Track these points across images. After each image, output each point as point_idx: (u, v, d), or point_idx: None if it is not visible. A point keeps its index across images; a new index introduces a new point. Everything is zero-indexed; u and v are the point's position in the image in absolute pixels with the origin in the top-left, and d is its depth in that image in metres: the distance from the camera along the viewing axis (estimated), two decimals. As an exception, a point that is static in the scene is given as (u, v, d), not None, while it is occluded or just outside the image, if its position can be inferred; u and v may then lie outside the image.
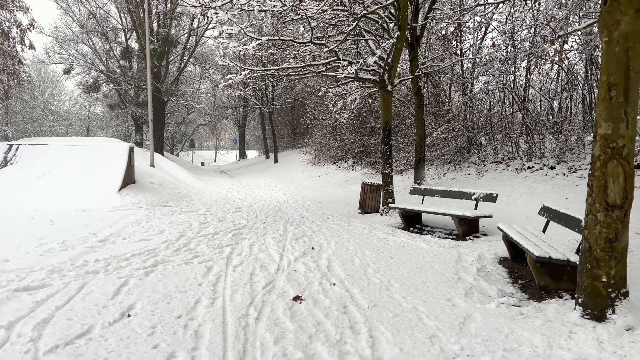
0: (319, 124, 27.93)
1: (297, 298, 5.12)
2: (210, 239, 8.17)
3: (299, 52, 9.39)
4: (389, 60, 10.08)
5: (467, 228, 8.19)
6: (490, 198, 8.13)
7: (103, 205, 10.94)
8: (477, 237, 8.10)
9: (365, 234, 8.96)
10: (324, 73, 10.21)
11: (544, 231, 6.57)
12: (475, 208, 8.45)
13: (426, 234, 8.68)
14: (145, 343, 3.83)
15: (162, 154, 28.13)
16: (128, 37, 35.09)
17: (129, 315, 4.42)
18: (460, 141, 15.93)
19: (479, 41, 17.66)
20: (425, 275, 5.99)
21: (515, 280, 5.82)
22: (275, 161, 35.72)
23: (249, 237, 8.57)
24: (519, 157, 13.98)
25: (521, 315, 4.50)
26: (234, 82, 8.98)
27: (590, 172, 4.18)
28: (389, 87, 10.28)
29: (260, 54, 9.24)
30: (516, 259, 6.55)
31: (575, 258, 4.92)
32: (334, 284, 5.63)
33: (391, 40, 9.84)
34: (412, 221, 9.52)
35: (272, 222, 10.52)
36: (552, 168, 12.25)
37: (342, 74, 9.01)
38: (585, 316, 4.13)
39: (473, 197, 8.45)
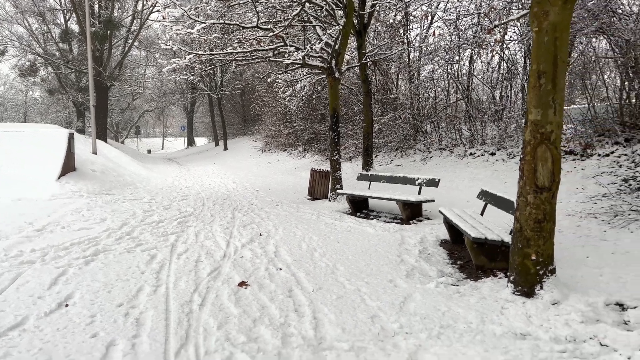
0: (269, 110, 27.76)
1: (242, 283, 5.12)
2: (154, 227, 8.00)
3: (246, 36, 9.24)
4: (336, 47, 10.12)
5: (411, 212, 8.42)
6: (433, 183, 8.39)
7: (41, 194, 10.46)
8: (421, 220, 8.36)
9: (314, 219, 9.04)
10: (271, 59, 10.12)
11: (482, 214, 6.86)
12: (419, 193, 8.70)
13: (372, 219, 8.87)
14: (83, 332, 3.74)
15: (106, 141, 27.09)
16: (67, 18, 33.36)
17: (66, 305, 4.29)
18: (407, 128, 16.28)
19: (425, 30, 18.03)
20: (370, 258, 6.13)
21: (455, 261, 6.06)
22: (225, 148, 35.24)
23: (195, 224, 8.46)
24: (462, 144, 14.46)
25: (458, 293, 4.70)
26: (178, 67, 8.76)
27: (521, 156, 4.40)
28: (337, 74, 10.34)
29: (205, 38, 9.04)
30: (456, 241, 6.82)
31: (509, 239, 5.18)
32: (280, 269, 5.67)
33: (338, 27, 9.88)
34: (359, 206, 9.68)
35: (220, 209, 10.41)
36: (493, 154, 12.76)
37: (289, 60, 8.98)
38: (516, 293, 4.38)
39: (417, 183, 8.69)
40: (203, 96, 43.70)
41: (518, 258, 4.40)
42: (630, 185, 8.03)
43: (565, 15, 4.13)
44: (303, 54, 8.58)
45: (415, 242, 6.96)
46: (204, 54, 9.11)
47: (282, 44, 9.11)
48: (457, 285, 5.03)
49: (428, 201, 8.21)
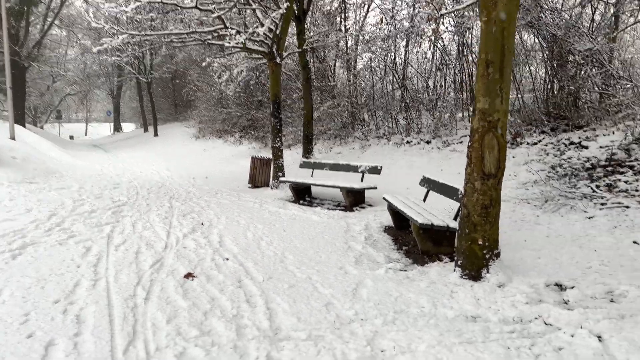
0: (203, 96, 26.93)
1: (188, 275, 4.92)
2: (87, 217, 7.52)
3: (184, 16, 8.80)
4: (277, 31, 9.93)
5: (354, 199, 8.49)
6: (375, 170, 8.48)
7: (-48, 183, 9.51)
8: (364, 207, 8.44)
9: (257, 208, 8.88)
10: (210, 41, 9.75)
11: (424, 200, 7.02)
12: (362, 180, 8.78)
13: (316, 206, 8.85)
14: (17, 332, 3.42)
15: (24, 126, 25.16)
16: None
17: (-6, 304, 3.91)
18: (345, 117, 16.38)
19: (361, 18, 18.15)
20: (318, 246, 6.10)
21: (400, 246, 6.17)
22: (155, 134, 33.89)
23: (131, 214, 8.04)
24: (399, 132, 14.76)
25: (407, 278, 4.78)
26: (110, 47, 8.19)
27: (469, 144, 4.51)
28: (278, 60, 10.16)
29: (139, 17, 8.51)
30: (400, 227, 6.94)
31: (454, 224, 5.33)
32: (227, 259, 5.51)
33: (280, 11, 9.69)
34: (302, 194, 9.63)
35: (155, 198, 9.97)
36: (428, 142, 13.13)
37: (230, 43, 8.68)
38: (464, 276, 4.51)
39: (359, 170, 8.75)
40: (131, 80, 41.60)
41: (465, 243, 4.53)
42: (557, 172, 8.54)
43: (513, 6, 4.26)
44: (245, 37, 8.33)
45: (361, 228, 7.02)
46: (138, 34, 8.57)
47: (222, 26, 8.79)
48: (405, 270, 5.11)
49: (371, 188, 8.30)
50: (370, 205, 8.58)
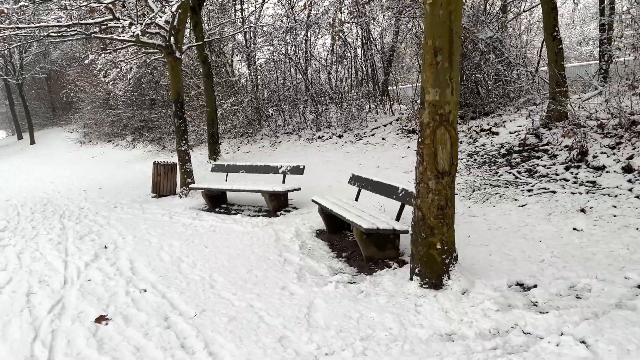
0: (87, 97, 24.44)
1: (101, 318, 4.00)
2: (-46, 253, 6.11)
3: (69, 5, 7.43)
4: (175, 23, 8.93)
5: (278, 203, 7.87)
6: (298, 170, 7.93)
7: None
8: (289, 211, 7.85)
9: (167, 221, 7.90)
10: (97, 35, 8.47)
11: (356, 199, 6.60)
12: (283, 181, 8.17)
13: (235, 214, 8.08)
14: None
15: None
16: None
17: None
18: (251, 113, 15.59)
19: (258, 10, 17.41)
20: (249, 262, 5.41)
21: (339, 253, 5.68)
22: (32, 142, 30.38)
23: (13, 242, 6.71)
24: (309, 127, 14.33)
25: (362, 293, 4.29)
26: None
27: (419, 140, 4.10)
28: (177, 54, 9.16)
29: (6, 7, 7.03)
30: (333, 231, 6.46)
31: (399, 226, 4.94)
32: (145, 290, 4.64)
33: (175, 3, 8.70)
34: (217, 201, 8.79)
35: (42, 219, 8.55)
36: (340, 137, 12.84)
37: (124, 35, 7.54)
38: (424, 285, 4.12)
39: (280, 171, 8.14)
40: (-3, 81, 36.85)
41: (423, 248, 4.13)
42: (475, 160, 8.61)
43: (459, -12, 3.89)
44: (140, 29, 7.28)
45: (291, 236, 6.43)
46: (7, 28, 7.04)
47: (112, 17, 7.62)
48: (354, 282, 4.62)
49: (295, 190, 7.72)
50: (295, 208, 7.99)
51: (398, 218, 5.26)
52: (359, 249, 5.70)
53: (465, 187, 7.47)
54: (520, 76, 11.20)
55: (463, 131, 10.18)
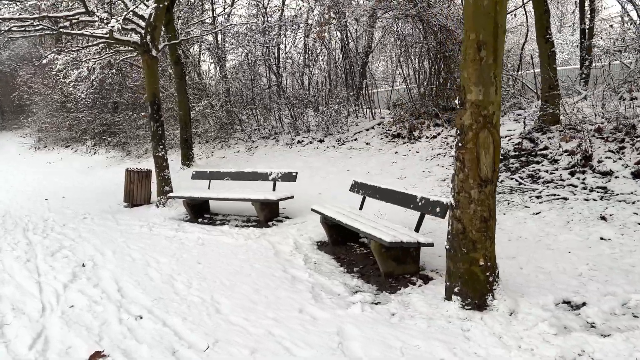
0: (42, 100, 23.02)
1: (96, 355, 3.39)
2: None
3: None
4: (151, 19, 8.26)
5: (269, 213, 7.33)
6: (290, 177, 7.42)
7: None
8: (280, 221, 7.32)
9: (146, 233, 7.22)
10: (66, 31, 7.68)
11: (360, 208, 6.16)
12: (274, 189, 7.64)
13: (221, 224, 7.48)
14: None
15: None
16: None
17: None
18: (223, 117, 14.93)
19: (227, 9, 16.80)
20: (253, 280, 4.86)
21: (349, 267, 5.20)
22: (-20, 148, 28.36)
23: (-27, 261, 5.89)
24: (286, 131, 13.82)
25: (394, 316, 3.83)
26: None
27: (459, 144, 3.70)
28: (154, 52, 8.48)
29: None
30: (336, 242, 5.98)
31: (423, 239, 4.52)
32: (141, 317, 4.02)
33: (151, -4, 8.05)
34: (199, 211, 8.15)
35: (2, 232, 7.67)
36: (321, 141, 12.39)
37: (98, 32, 6.82)
38: (466, 307, 3.70)
39: (270, 178, 7.60)
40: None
41: (463, 265, 3.72)
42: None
43: (504, -23, 3.53)
44: (117, 24, 6.59)
45: (291, 249, 5.91)
46: None
47: (84, 10, 6.89)
48: (379, 303, 4.16)
49: (288, 198, 7.21)
50: (288, 218, 7.46)
51: (417, 229, 4.85)
52: (370, 262, 5.27)
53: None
54: (508, 80, 11.09)
55: (451, 136, 9.93)
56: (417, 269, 4.75)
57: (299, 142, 12.71)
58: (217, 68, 16.07)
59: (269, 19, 15.42)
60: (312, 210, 6.17)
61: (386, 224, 5.03)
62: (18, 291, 4.74)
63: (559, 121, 8.51)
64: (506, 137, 9.07)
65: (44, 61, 14.51)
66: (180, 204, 8.72)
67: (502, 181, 7.31)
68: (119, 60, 14.79)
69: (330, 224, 5.87)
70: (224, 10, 16.75)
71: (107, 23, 7.03)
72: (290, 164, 11.04)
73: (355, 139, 11.76)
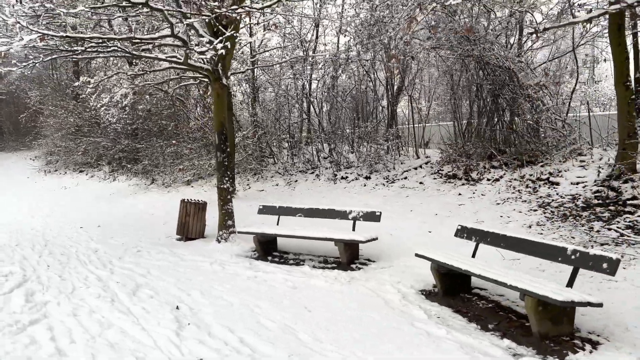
0: (58, 122, 22.48)
1: None
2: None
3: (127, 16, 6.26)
4: (225, 43, 7.97)
5: (352, 254, 6.89)
6: (373, 217, 7.01)
7: None
8: (365, 264, 6.85)
9: (219, 271, 6.70)
10: (140, 54, 7.31)
11: (473, 256, 5.74)
12: (353, 229, 7.21)
13: (296, 264, 6.99)
14: None
15: None
16: None
17: None
18: (259, 148, 14.58)
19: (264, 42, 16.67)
20: (384, 334, 4.37)
21: (481, 324, 4.70)
22: (-16, 167, 27.60)
23: (52, 298, 5.33)
24: (323, 166, 13.48)
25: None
26: (8, 51, 5.39)
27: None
28: (224, 80, 8.16)
29: (65, 10, 5.76)
30: (448, 292, 5.53)
31: (593, 299, 4.10)
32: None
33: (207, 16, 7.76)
34: (266, 248, 7.68)
35: (59, 265, 7.10)
36: (368, 178, 12.05)
37: (183, 56, 6.46)
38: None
39: (350, 217, 7.19)
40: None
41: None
42: (553, 213, 7.99)
43: None
44: (218, 49, 6.25)
45: (399, 298, 5.44)
46: (55, 35, 5.78)
47: (170, 34, 6.55)
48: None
49: (374, 239, 6.78)
50: (370, 261, 6.99)
51: (570, 285, 4.43)
52: (503, 318, 4.81)
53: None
54: (565, 125, 10.89)
55: (515, 179, 9.63)
56: (572, 331, 4.31)
57: (343, 178, 12.35)
58: (250, 99, 15.79)
59: (309, 52, 15.22)
60: (417, 255, 5.72)
61: (527, 277, 4.62)
62: (127, 338, 4.20)
63: (636, 169, 8.27)
64: (577, 183, 8.79)
65: (76, 84, 14.21)
66: (243, 240, 8.22)
67: (598, 231, 6.96)
68: (146, 87, 14.46)
69: (444, 273, 5.44)
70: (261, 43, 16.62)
71: (190, 49, 6.71)
72: (342, 201, 10.63)
73: (405, 178, 11.43)
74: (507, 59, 10.43)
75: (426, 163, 11.96)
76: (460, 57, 10.97)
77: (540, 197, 8.73)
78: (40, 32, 5.47)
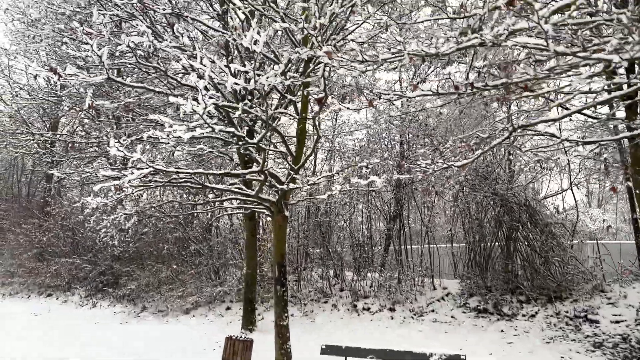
0: (26, 242, 21.04)
1: None
2: None
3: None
4: (286, 182, 8.11)
5: (442, 403, 6.51)
6: (457, 360, 6.78)
7: None
8: (456, 414, 6.48)
9: None
10: (212, 185, 7.24)
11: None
12: (434, 374, 6.91)
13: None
14: None
15: None
16: None
17: None
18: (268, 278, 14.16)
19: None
20: None
21: None
22: None
23: None
24: (336, 294, 13.17)
25: None
26: (125, 187, 5.15)
27: None
28: (286, 212, 8.17)
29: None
30: None
31: None
32: None
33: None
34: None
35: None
36: (392, 310, 11.83)
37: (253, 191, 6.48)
38: None
39: (432, 360, 6.92)
40: None
41: None
42: (613, 353, 8.07)
43: None
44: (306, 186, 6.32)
45: None
46: (169, 171, 5.63)
47: (259, 169, 6.61)
48: None
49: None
50: (460, 410, 6.63)
51: None
52: None
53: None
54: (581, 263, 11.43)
55: (551, 316, 9.79)
56: None
57: (364, 309, 12.06)
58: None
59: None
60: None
61: None
62: None
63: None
64: (618, 322, 9.04)
65: (74, 204, 13.72)
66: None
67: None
68: (150, 210, 14.13)
69: None
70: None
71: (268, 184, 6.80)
72: (379, 337, 10.26)
73: (433, 311, 11.33)
74: (527, 198, 11.18)
75: (447, 295, 11.99)
76: (485, 195, 11.61)
77: (588, 336, 8.85)
78: (153, 167, 5.38)
